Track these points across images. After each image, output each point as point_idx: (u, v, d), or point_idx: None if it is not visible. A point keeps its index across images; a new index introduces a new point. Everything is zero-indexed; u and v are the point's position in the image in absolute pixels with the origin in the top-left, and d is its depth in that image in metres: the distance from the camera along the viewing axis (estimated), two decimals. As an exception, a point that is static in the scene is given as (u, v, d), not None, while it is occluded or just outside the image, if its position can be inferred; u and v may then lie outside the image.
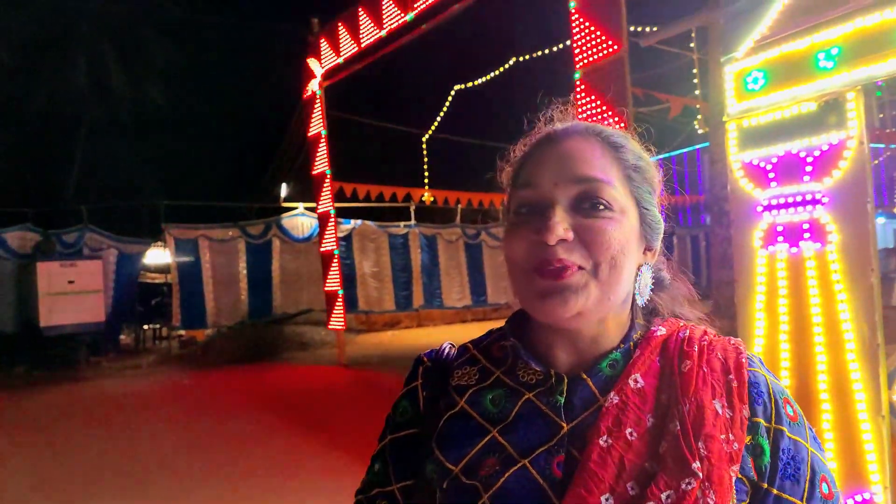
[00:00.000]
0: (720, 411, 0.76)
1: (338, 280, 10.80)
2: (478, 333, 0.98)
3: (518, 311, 0.92)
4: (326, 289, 11.14)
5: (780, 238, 2.85)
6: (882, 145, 9.86)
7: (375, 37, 8.85)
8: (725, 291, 3.12)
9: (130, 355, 13.00)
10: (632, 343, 0.84)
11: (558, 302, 0.76)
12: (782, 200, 2.83)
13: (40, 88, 16.77)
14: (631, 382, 0.79)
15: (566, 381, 0.81)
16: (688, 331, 0.85)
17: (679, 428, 0.74)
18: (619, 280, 0.80)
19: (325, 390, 9.29)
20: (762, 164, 2.90)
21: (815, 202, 2.73)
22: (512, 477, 0.76)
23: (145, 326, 14.28)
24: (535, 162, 0.84)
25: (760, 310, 2.93)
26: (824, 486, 0.78)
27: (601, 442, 0.74)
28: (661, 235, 0.89)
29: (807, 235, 2.75)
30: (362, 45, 9.19)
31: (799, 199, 2.78)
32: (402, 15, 8.24)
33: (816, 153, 2.72)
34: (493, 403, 0.84)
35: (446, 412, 0.87)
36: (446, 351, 0.96)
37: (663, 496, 0.70)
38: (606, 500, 0.71)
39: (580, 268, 0.77)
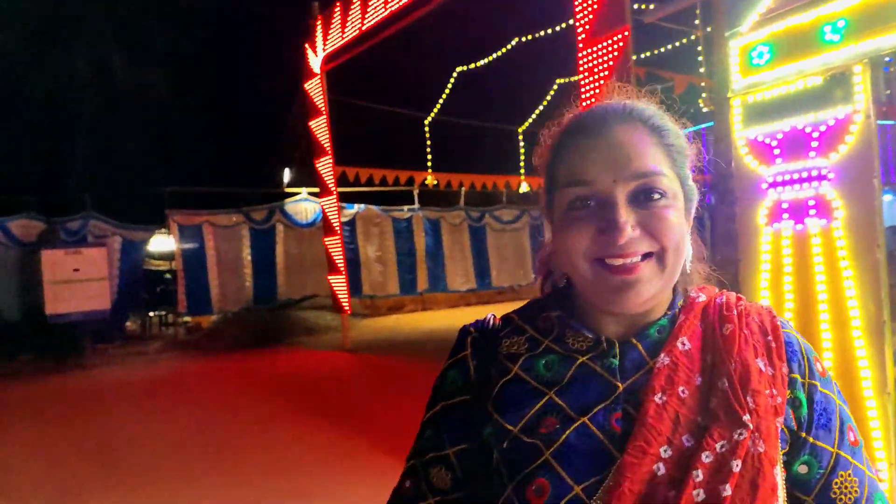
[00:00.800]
0: (763, 369, 0.83)
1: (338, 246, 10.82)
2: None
3: (558, 285, 0.98)
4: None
5: (786, 215, 2.81)
6: (891, 122, 9.75)
7: (376, 19, 8.77)
8: (729, 269, 3.08)
9: (136, 342, 13.09)
10: (677, 310, 0.90)
11: (632, 295, 0.81)
12: (787, 177, 2.80)
13: (42, 76, 16.72)
14: (679, 345, 0.85)
15: (617, 345, 0.86)
16: (724, 297, 0.92)
17: (728, 385, 0.81)
18: (681, 262, 0.85)
19: (330, 374, 9.32)
20: (767, 141, 2.86)
21: (820, 178, 2.69)
22: (573, 433, 0.81)
23: (151, 313, 14.34)
24: (583, 154, 0.84)
25: (765, 288, 2.90)
26: (851, 434, 0.86)
27: (656, 399, 0.80)
28: (696, 202, 0.93)
29: (812, 212, 2.72)
30: (363, 28, 9.11)
31: (804, 175, 2.74)
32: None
33: (822, 128, 2.68)
34: (547, 368, 0.88)
35: (499, 379, 0.89)
36: (492, 322, 0.99)
37: (718, 446, 0.77)
38: (665, 451, 0.77)
39: (647, 254, 0.81)
